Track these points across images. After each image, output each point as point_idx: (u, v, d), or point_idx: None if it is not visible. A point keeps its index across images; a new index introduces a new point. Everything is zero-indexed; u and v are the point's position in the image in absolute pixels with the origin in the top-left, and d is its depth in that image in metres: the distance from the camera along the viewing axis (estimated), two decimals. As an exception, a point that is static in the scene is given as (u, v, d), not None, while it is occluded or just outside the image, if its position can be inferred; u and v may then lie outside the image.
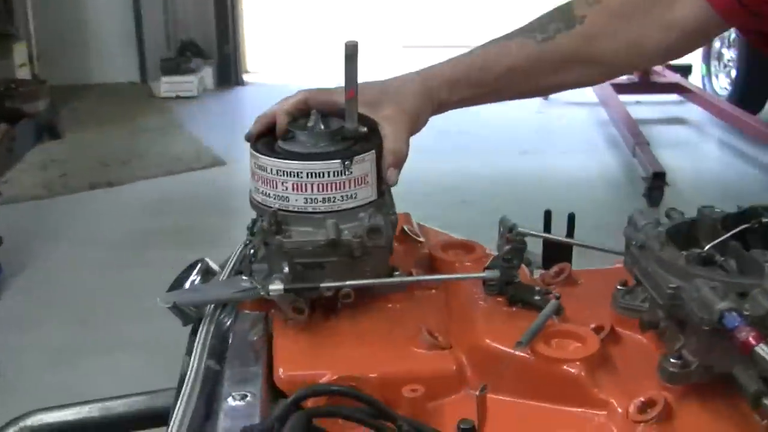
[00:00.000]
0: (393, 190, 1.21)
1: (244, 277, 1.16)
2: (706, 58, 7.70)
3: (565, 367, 0.98)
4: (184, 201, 5.44)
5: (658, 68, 7.42)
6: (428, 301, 1.19)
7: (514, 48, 1.30)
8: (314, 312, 1.12)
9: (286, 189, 1.12)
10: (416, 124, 1.24)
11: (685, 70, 7.69)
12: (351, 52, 1.12)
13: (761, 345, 0.85)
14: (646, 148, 5.61)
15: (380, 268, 1.16)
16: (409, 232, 1.33)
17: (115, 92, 8.01)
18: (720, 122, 7.00)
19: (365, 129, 1.17)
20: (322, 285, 1.08)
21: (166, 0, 8.18)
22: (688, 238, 1.08)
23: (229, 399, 0.99)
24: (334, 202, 1.13)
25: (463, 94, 1.29)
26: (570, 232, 1.30)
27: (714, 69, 7.65)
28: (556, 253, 1.28)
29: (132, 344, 3.71)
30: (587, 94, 7.17)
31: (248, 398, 0.99)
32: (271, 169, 1.13)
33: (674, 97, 7.65)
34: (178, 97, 7.82)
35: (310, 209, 1.13)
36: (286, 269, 1.09)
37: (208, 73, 8.23)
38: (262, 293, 1.09)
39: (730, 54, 7.40)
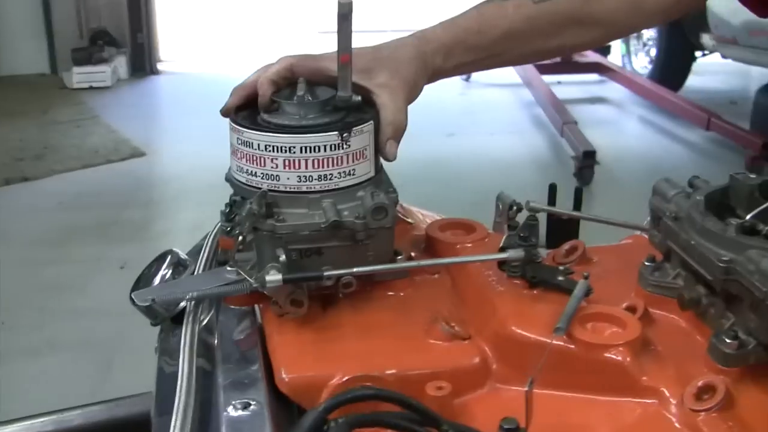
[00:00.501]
0: None
1: (229, 268, 1.03)
2: (625, 38, 7.73)
3: (607, 353, 0.87)
4: (104, 194, 5.23)
5: (578, 48, 7.41)
6: (434, 286, 1.07)
7: (510, 9, 1.20)
8: (312, 305, 0.99)
9: (276, 166, 1.00)
10: (414, 92, 1.13)
11: (605, 50, 7.70)
12: (345, 11, 1.00)
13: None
14: (574, 128, 5.58)
15: (384, 253, 1.03)
16: (399, 214, 1.21)
17: (25, 84, 7.70)
18: (640, 100, 7.04)
19: (359, 98, 1.05)
20: (327, 273, 0.96)
21: (77, -13, 7.90)
22: (720, 207, 0.99)
23: (230, 408, 0.87)
24: (330, 179, 1.01)
25: (459, 59, 1.18)
26: (577, 206, 1.20)
27: (633, 48, 7.69)
28: (562, 229, 1.17)
29: (59, 346, 3.53)
30: (510, 74, 7.13)
31: (252, 407, 0.87)
32: (259, 145, 1.00)
33: (594, 76, 7.66)
34: (91, 88, 7.55)
35: (304, 188, 1.00)
36: (282, 257, 0.96)
37: (121, 63, 7.96)
38: (255, 285, 0.96)
39: (649, 33, 7.43)
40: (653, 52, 7.34)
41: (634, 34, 7.62)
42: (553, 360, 0.88)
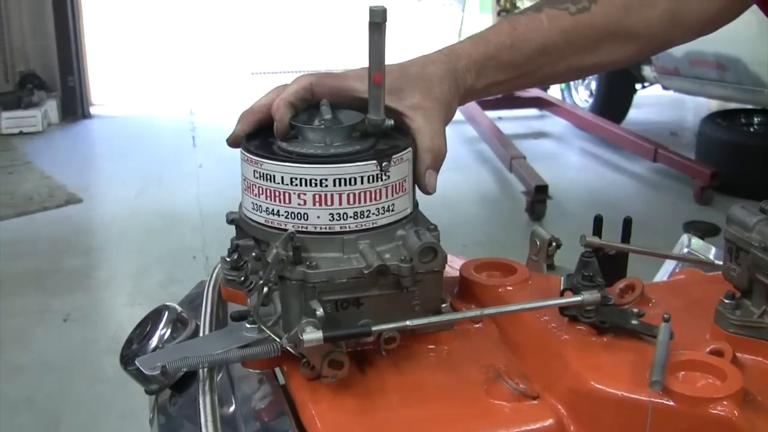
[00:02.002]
0: None
1: (248, 326, 0.88)
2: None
3: (712, 408, 0.75)
4: (40, 242, 5.01)
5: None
6: (480, 337, 0.94)
7: (545, 22, 1.08)
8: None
9: (304, 203, 0.86)
10: (449, 114, 1.00)
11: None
12: (378, 19, 0.85)
13: None
14: (523, 163, 5.52)
15: (432, 301, 0.89)
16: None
17: (-49, 131, 7.43)
18: (581, 134, 7.04)
19: (392, 122, 0.92)
20: (375, 328, 0.82)
21: (1, 28, 7.65)
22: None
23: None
24: (368, 217, 0.87)
25: (491, 78, 1.05)
26: (625, 238, 1.09)
27: (573, 83, 7.70)
28: (610, 265, 1.05)
29: (1, 404, 3.31)
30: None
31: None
32: (283, 178, 0.86)
33: (534, 111, 7.66)
34: (21, 133, 7.33)
35: (337, 228, 0.86)
36: (320, 311, 0.81)
37: (52, 107, 7.73)
38: (288, 346, 0.82)
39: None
40: (593, 85, 7.35)
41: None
42: (644, 418, 0.76)
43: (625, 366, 0.80)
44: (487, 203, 5.65)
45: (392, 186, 0.88)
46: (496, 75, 1.06)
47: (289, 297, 0.85)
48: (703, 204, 5.52)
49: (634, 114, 7.43)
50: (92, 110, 8.17)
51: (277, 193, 0.87)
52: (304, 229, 0.86)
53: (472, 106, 6.71)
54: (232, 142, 0.96)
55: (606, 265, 1.05)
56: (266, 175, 0.87)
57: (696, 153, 6.06)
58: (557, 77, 1.16)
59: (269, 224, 0.88)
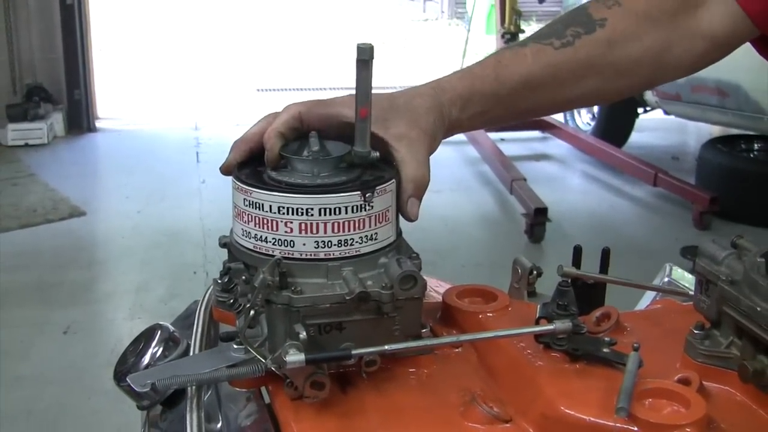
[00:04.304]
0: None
1: (236, 346, 0.92)
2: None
3: (673, 435, 0.78)
4: (43, 255, 5.05)
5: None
6: (459, 362, 0.97)
7: (529, 56, 1.12)
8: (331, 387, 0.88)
9: (291, 231, 0.90)
10: (433, 145, 1.03)
11: (547, 107, 7.75)
12: (365, 56, 0.90)
13: None
14: (523, 185, 5.56)
15: (412, 326, 0.93)
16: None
17: (-43, 143, 7.48)
18: (583, 157, 7.07)
19: (377, 154, 0.96)
20: (355, 352, 0.86)
21: (11, 41, 7.70)
22: (772, 270, 0.91)
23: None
24: (351, 245, 0.91)
25: (475, 110, 1.09)
26: (604, 268, 1.12)
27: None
28: (588, 294, 1.09)
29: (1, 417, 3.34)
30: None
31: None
32: (271, 206, 0.90)
33: (536, 133, 7.70)
34: (27, 145, 7.37)
35: (322, 255, 0.90)
36: (303, 334, 0.85)
37: (58, 120, 7.78)
38: (272, 367, 0.85)
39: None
40: (596, 108, 7.39)
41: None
42: (613, 444, 0.79)
43: (595, 392, 0.84)
44: (487, 225, 5.69)
45: (375, 216, 0.92)
46: (479, 107, 1.09)
47: (274, 320, 0.89)
48: (702, 229, 5.55)
49: (636, 138, 7.48)
50: (98, 124, 8.21)
51: (265, 221, 0.90)
52: (290, 256, 0.90)
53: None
54: (225, 170, 0.99)
55: (585, 293, 1.09)
56: (255, 203, 0.91)
57: (696, 178, 6.09)
58: (542, 110, 1.21)
59: (257, 250, 0.92)
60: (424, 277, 1.12)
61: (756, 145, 6.20)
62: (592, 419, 0.81)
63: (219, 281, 1.00)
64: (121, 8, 15.75)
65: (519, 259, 1.11)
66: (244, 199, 0.93)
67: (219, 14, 16.22)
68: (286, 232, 0.90)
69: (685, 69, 1.20)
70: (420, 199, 0.99)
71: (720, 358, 0.91)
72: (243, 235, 0.94)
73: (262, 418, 0.92)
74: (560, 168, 7.16)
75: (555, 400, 0.84)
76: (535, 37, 1.15)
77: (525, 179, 5.66)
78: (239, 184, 0.94)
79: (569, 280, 0.96)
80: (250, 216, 0.92)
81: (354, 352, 0.86)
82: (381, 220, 0.93)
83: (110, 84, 9.50)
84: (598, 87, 1.17)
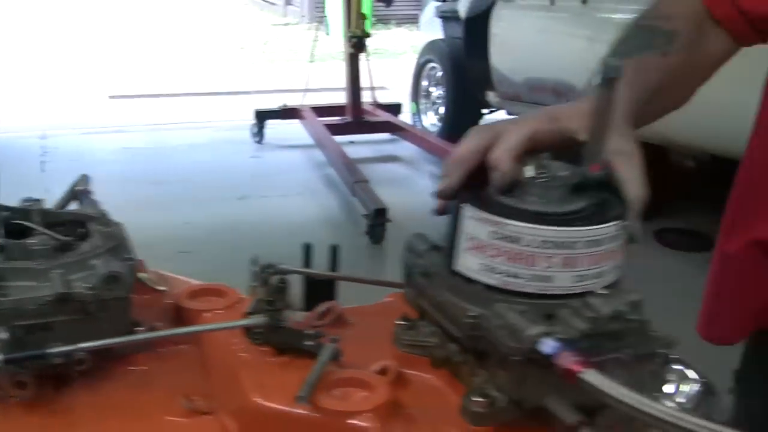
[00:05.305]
0: None
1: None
2: (415, 96, 7.92)
3: (354, 420, 0.83)
4: None
5: (369, 108, 7.53)
6: (179, 359, 1.00)
7: (650, 64, 1.14)
8: (43, 386, 0.90)
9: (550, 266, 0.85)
10: (641, 158, 0.96)
11: (396, 109, 7.85)
12: (612, 75, 0.84)
13: (588, 370, 0.74)
14: (365, 186, 5.61)
15: (120, 325, 0.95)
16: (146, 280, 1.14)
17: None
18: (431, 158, 7.17)
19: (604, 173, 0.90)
20: (49, 351, 0.87)
21: None
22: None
23: None
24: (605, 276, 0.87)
25: (635, 121, 1.04)
26: (333, 266, 1.16)
27: (423, 106, 7.86)
28: (319, 291, 1.12)
29: None
30: (302, 136, 7.16)
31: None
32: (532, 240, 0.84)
33: (386, 135, 7.78)
34: None
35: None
36: (4, 335, 0.86)
37: None
38: (-28, 368, 0.86)
39: (437, 92, 7.63)
40: (442, 110, 7.52)
41: (423, 93, 7.82)
42: (303, 431, 0.83)
43: (291, 384, 0.87)
44: (330, 227, 5.72)
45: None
46: (636, 117, 1.05)
47: (-17, 322, 0.90)
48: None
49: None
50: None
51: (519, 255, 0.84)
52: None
53: (321, 130, 6.80)
54: (447, 194, 0.91)
55: (317, 290, 1.13)
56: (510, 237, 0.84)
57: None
58: (660, 115, 1.20)
59: None
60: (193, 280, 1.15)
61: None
62: (280, 408, 0.85)
63: None
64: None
65: (255, 257, 1.14)
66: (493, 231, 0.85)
67: (71, 19, 15.87)
68: (546, 267, 0.84)
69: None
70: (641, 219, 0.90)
71: (421, 347, 0.95)
72: None
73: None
74: (408, 169, 7.24)
75: (250, 392, 0.87)
76: (634, 49, 1.16)
77: (367, 181, 5.71)
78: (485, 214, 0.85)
79: (285, 277, 1.00)
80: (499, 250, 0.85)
81: (48, 351, 0.87)
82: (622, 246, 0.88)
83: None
84: (690, 91, 1.23)
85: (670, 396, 0.92)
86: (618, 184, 0.90)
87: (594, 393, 0.73)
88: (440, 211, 0.92)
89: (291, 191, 6.36)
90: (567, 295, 0.84)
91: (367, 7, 11.56)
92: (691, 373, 0.94)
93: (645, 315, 0.84)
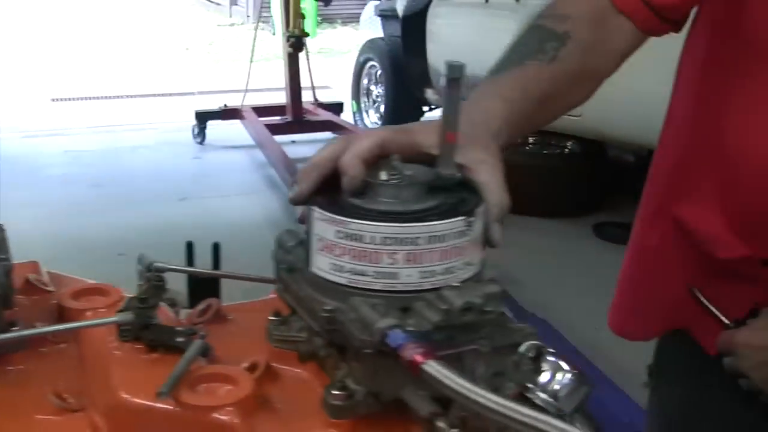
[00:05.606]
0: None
1: None
2: (356, 95, 7.95)
3: (216, 414, 0.85)
4: None
5: (310, 107, 7.55)
6: (58, 357, 1.02)
7: (536, 74, 1.15)
8: None
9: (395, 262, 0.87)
10: (503, 171, 0.99)
11: (338, 108, 7.87)
12: (455, 75, 0.86)
13: (431, 361, 0.76)
14: (304, 186, 5.62)
15: (-11, 325, 0.97)
16: (35, 282, 1.15)
17: None
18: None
19: (460, 175, 0.93)
20: None
21: None
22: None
23: None
24: (454, 273, 0.89)
25: (514, 132, 1.08)
26: (216, 264, 1.18)
27: (364, 105, 7.89)
28: (203, 288, 1.14)
29: None
30: (244, 136, 7.17)
31: None
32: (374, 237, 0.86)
33: (328, 134, 7.79)
34: None
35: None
36: None
37: None
38: None
39: (378, 90, 7.66)
40: (383, 108, 7.56)
41: (364, 91, 7.85)
42: (166, 426, 0.85)
43: (159, 380, 0.88)
44: (272, 227, 5.72)
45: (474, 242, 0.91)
46: (516, 129, 1.09)
47: None
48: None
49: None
50: None
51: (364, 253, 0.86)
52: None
53: (262, 131, 6.81)
54: (299, 200, 0.94)
55: (201, 288, 1.15)
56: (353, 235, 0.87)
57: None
58: (547, 123, 1.23)
59: None
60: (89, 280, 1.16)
61: (530, 139, 6.44)
62: (145, 403, 0.87)
63: None
64: None
65: (141, 255, 1.15)
66: (338, 231, 0.87)
67: (11, 21, 15.68)
68: (389, 263, 0.86)
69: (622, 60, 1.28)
70: (502, 223, 0.94)
71: (291, 342, 0.97)
72: None
73: None
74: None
75: (117, 388, 0.89)
76: (523, 56, 1.17)
77: (306, 181, 5.72)
78: (328, 214, 0.88)
79: (162, 275, 1.02)
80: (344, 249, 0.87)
81: None
82: (477, 244, 0.90)
83: None
84: (584, 90, 1.23)
85: (544, 385, 0.95)
86: (478, 188, 0.93)
87: (434, 384, 0.75)
88: (301, 220, 0.94)
89: (232, 192, 6.37)
90: (422, 290, 0.86)
91: (312, 7, 11.63)
92: (564, 365, 0.97)
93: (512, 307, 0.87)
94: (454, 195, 0.91)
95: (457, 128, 0.89)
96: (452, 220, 0.86)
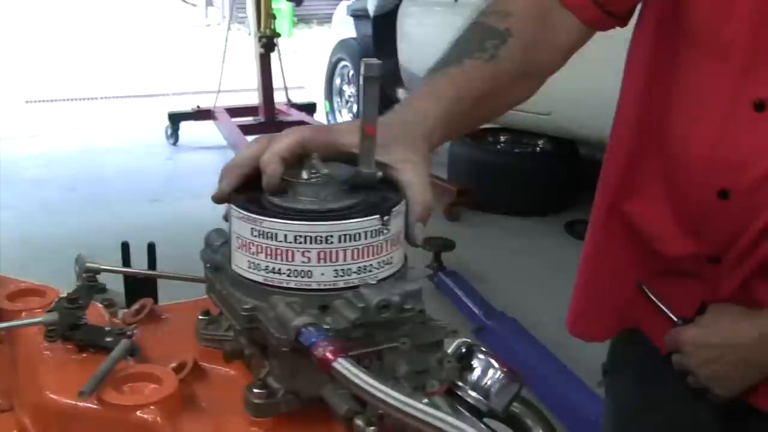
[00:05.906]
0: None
1: None
2: (329, 95, 7.95)
3: (139, 413, 0.86)
4: None
5: (283, 108, 7.55)
6: (-8, 359, 1.03)
7: (473, 72, 1.15)
8: None
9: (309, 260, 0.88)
10: (429, 170, 1.00)
11: (311, 108, 7.87)
12: (372, 72, 0.88)
13: (340, 360, 0.77)
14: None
15: None
16: (-27, 284, 1.16)
17: None
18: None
19: (381, 173, 0.93)
20: None
21: None
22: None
23: None
24: (370, 271, 0.89)
25: (447, 131, 1.09)
26: (152, 264, 1.19)
27: (337, 105, 7.90)
28: (139, 288, 1.15)
29: None
30: (217, 137, 7.16)
31: None
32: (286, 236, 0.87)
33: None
34: None
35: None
36: None
37: None
38: None
39: (350, 90, 7.67)
40: (355, 108, 7.56)
41: (337, 92, 7.86)
42: (91, 426, 0.87)
43: (85, 380, 0.90)
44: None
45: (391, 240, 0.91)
46: (449, 128, 1.10)
47: None
48: (453, 220, 5.76)
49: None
50: None
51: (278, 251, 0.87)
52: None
53: (234, 131, 6.81)
54: (219, 198, 0.95)
55: (137, 288, 1.16)
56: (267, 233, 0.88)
57: (447, 171, 6.27)
58: (486, 120, 1.26)
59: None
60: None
61: (502, 138, 6.47)
62: (69, 403, 0.88)
63: None
64: None
65: (79, 256, 1.16)
66: (253, 228, 0.88)
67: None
68: (303, 262, 0.87)
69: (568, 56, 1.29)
70: (425, 223, 0.95)
71: (218, 341, 0.98)
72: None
73: None
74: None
75: (43, 388, 0.90)
76: (462, 54, 1.17)
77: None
78: (244, 212, 0.89)
79: (94, 275, 1.03)
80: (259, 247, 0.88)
81: None
82: (395, 243, 0.90)
83: None
84: (525, 88, 1.25)
85: (474, 383, 0.96)
86: (401, 188, 0.94)
87: (344, 382, 0.76)
88: (225, 218, 0.95)
89: (204, 192, 6.28)
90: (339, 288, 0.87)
91: (288, 7, 11.60)
92: (495, 363, 0.98)
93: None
94: (376, 194, 0.92)
95: (375, 124, 0.90)
96: (366, 218, 0.87)
